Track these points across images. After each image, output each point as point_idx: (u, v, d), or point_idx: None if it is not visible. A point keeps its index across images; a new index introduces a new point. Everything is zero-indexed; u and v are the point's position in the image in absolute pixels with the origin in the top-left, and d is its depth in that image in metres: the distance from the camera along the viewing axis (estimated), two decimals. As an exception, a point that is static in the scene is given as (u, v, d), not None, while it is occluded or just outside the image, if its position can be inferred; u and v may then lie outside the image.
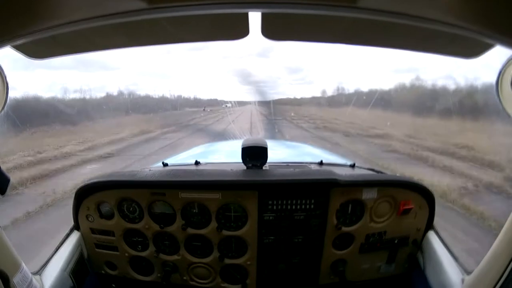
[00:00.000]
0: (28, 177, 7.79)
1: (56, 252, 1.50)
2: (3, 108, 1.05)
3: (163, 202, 1.53)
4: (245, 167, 1.64)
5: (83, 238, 1.64)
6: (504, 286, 1.06)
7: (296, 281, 1.63)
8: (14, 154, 9.43)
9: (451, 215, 5.35)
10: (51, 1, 0.67)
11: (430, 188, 1.58)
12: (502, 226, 1.09)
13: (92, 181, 1.56)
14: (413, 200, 1.55)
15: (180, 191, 1.50)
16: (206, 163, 2.12)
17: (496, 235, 1.12)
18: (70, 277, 1.48)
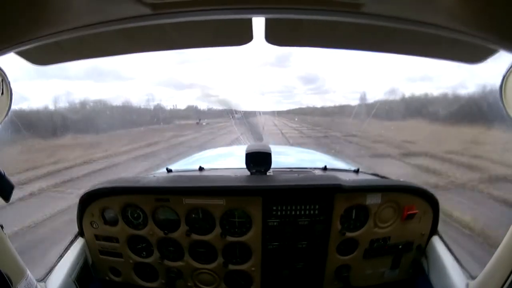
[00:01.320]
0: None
1: (61, 259, 1.50)
2: (6, 114, 1.05)
3: (167, 208, 1.53)
4: (249, 173, 1.64)
5: (87, 245, 1.63)
6: None
7: (300, 287, 1.62)
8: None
9: None
10: (54, 8, 0.67)
11: (434, 193, 1.57)
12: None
13: (96, 187, 1.56)
14: (417, 205, 1.55)
15: (184, 197, 1.49)
16: (210, 169, 2.11)
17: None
18: (75, 283, 1.47)
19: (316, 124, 25.88)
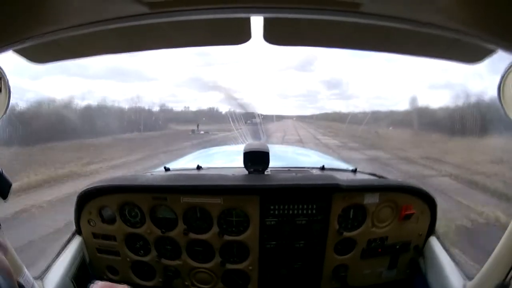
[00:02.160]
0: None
1: (58, 257, 1.50)
2: (5, 112, 1.05)
3: (164, 206, 1.53)
4: (247, 172, 1.63)
5: (85, 243, 1.63)
6: None
7: (298, 286, 1.62)
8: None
9: None
10: (53, 6, 0.67)
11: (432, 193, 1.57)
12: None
13: (94, 185, 1.56)
14: (415, 205, 1.55)
15: (182, 195, 1.49)
16: (208, 168, 2.11)
17: None
18: (72, 282, 1.47)
19: (350, 136, 19.17)
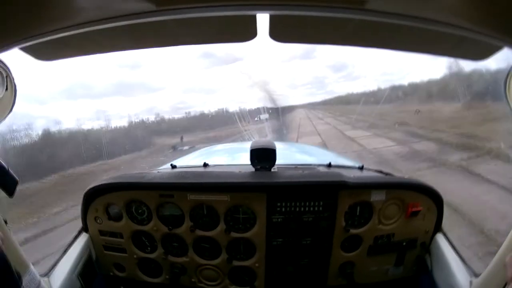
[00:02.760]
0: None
1: (64, 254, 1.51)
2: (11, 110, 1.06)
3: (171, 204, 1.53)
4: (253, 169, 1.64)
5: (92, 240, 1.64)
6: None
7: (304, 283, 1.63)
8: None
9: None
10: (59, 4, 0.67)
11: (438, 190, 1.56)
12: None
13: (100, 183, 1.56)
14: (422, 202, 1.55)
15: (189, 193, 1.49)
16: (215, 165, 2.11)
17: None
18: (79, 279, 1.48)
19: (390, 125, 14.47)
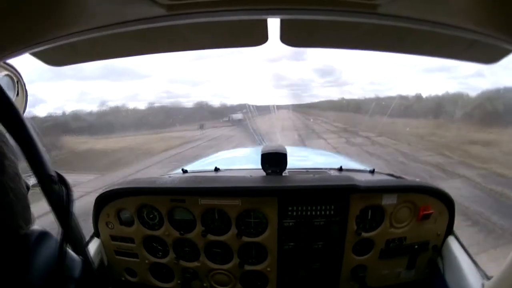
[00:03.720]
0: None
1: None
2: (23, 113, 1.06)
3: (183, 208, 1.53)
4: (264, 174, 1.63)
5: (103, 245, 1.64)
6: None
7: (316, 287, 1.62)
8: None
9: None
10: (69, 10, 0.67)
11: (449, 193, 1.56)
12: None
13: (112, 188, 1.57)
14: (433, 205, 1.54)
15: (200, 197, 1.49)
16: (226, 170, 2.12)
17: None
18: None
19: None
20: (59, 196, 0.53)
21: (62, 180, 0.58)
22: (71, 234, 0.52)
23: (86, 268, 0.52)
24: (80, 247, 0.54)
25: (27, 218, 0.48)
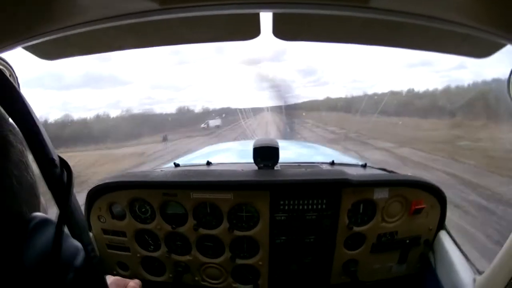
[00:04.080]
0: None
1: None
2: None
3: (175, 202, 1.54)
4: (256, 167, 1.64)
5: (95, 239, 1.64)
6: None
7: (308, 281, 1.63)
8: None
9: None
10: (62, 3, 0.67)
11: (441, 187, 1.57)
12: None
13: (103, 181, 1.56)
14: (425, 200, 1.55)
15: (192, 191, 1.50)
16: (218, 163, 2.12)
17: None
18: None
19: None
20: (60, 179, 0.53)
21: (64, 164, 0.59)
22: (71, 218, 0.52)
23: (87, 256, 0.53)
24: (84, 233, 0.54)
25: (33, 205, 0.48)
